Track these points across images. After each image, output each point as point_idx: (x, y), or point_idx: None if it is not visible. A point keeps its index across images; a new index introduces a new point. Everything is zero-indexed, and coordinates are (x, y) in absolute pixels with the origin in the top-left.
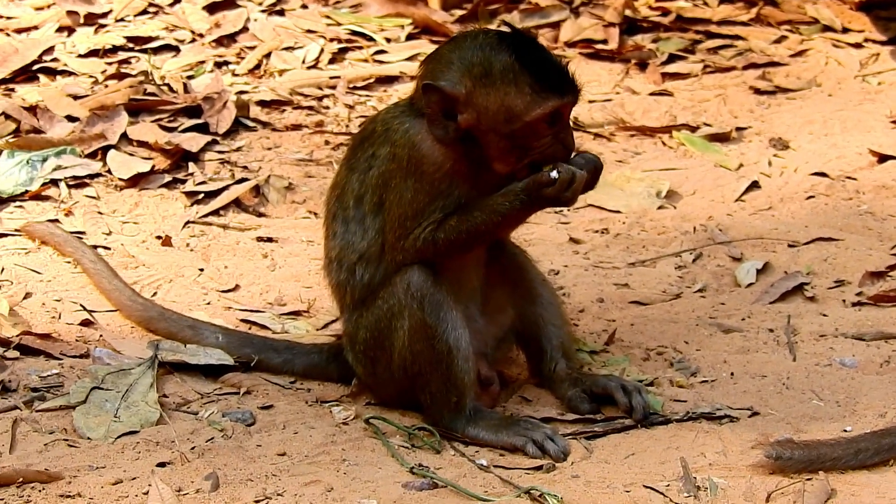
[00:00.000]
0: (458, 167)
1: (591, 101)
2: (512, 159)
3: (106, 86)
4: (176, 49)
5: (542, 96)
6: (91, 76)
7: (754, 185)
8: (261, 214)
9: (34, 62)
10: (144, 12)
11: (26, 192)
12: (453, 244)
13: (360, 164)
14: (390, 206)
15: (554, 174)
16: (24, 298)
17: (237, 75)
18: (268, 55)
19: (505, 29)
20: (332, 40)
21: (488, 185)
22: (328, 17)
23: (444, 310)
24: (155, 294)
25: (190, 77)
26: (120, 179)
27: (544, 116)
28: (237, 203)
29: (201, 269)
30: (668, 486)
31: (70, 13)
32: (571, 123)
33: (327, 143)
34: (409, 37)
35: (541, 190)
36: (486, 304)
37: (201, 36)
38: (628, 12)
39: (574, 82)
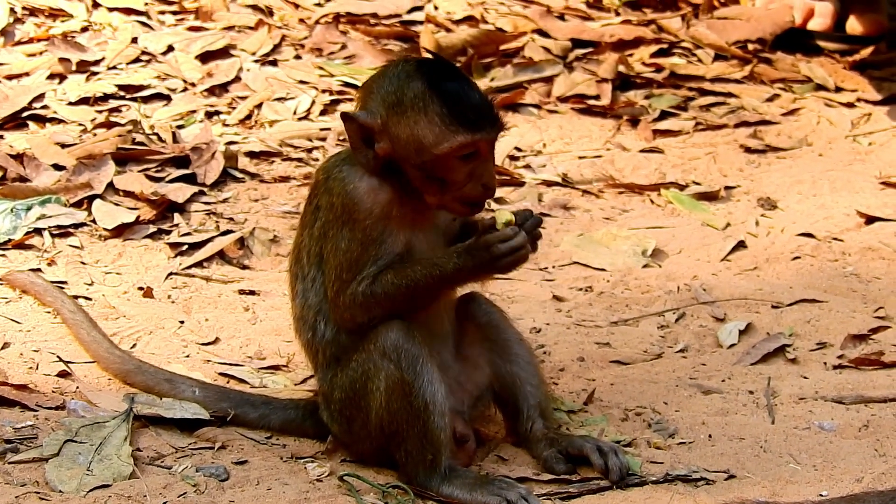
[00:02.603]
0: (391, 211)
1: (581, 157)
2: (434, 191)
3: (94, 134)
4: (167, 98)
5: (452, 129)
6: (80, 124)
7: (741, 245)
8: (245, 267)
9: (24, 109)
10: (137, 60)
11: (9, 240)
12: (394, 301)
13: (308, 219)
14: (327, 257)
15: (505, 229)
16: (3, 348)
17: (228, 125)
18: (259, 105)
19: (429, 56)
20: (324, 91)
21: (428, 230)
22: (321, 67)
23: (421, 363)
24: (134, 346)
25: (180, 126)
26: (104, 229)
27: (454, 151)
28: (221, 255)
29: (182, 322)
30: None
31: (62, 60)
32: (560, 179)
33: None
34: None
35: (487, 250)
36: (462, 361)
37: (193, 85)
38: (622, 68)
39: (494, 117)
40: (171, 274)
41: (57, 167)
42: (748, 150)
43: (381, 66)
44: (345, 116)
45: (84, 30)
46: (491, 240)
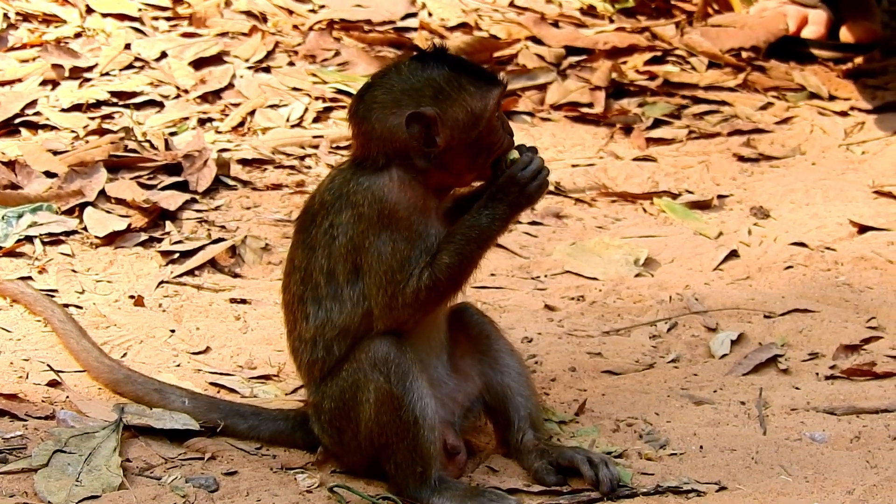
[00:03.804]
0: (426, 203)
1: (573, 166)
2: (479, 165)
3: (87, 141)
4: (160, 105)
5: (486, 90)
6: (73, 131)
7: (733, 255)
8: (236, 275)
9: (16, 115)
10: (130, 67)
11: (0, 248)
12: (456, 279)
13: (320, 240)
14: (370, 268)
15: (521, 156)
16: None
17: (220, 132)
18: (252, 112)
19: (407, 54)
20: (317, 98)
21: (439, 217)
22: (314, 74)
23: (411, 378)
24: (125, 355)
25: (172, 133)
26: (96, 237)
27: (495, 107)
28: (213, 263)
29: (172, 331)
30: None
31: (55, 66)
32: (553, 188)
33: None
34: None
35: (514, 182)
36: (453, 372)
37: (186, 92)
38: (615, 76)
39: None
40: (162, 282)
41: (49, 174)
42: (741, 158)
43: (379, 78)
44: (412, 118)
45: (77, 36)
46: (514, 171)
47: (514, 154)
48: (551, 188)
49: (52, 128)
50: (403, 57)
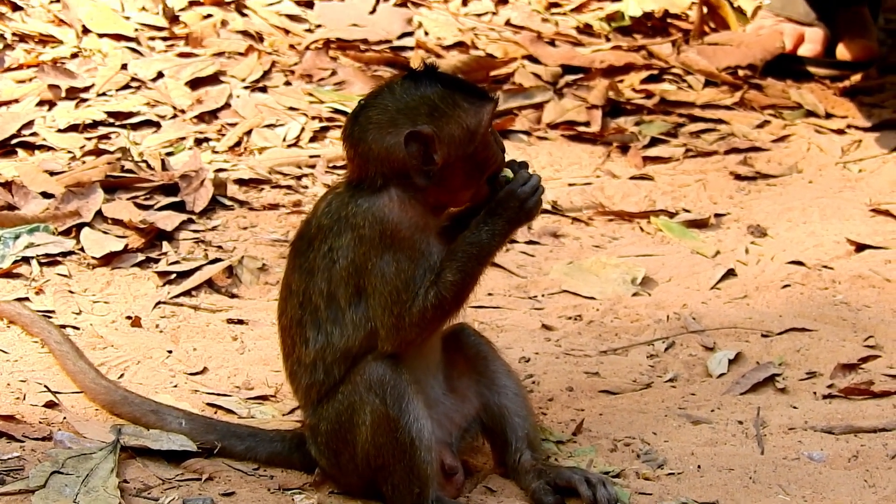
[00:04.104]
0: (426, 222)
1: (570, 185)
2: (474, 181)
3: (83, 162)
4: (157, 125)
5: (479, 105)
6: (69, 152)
7: (730, 273)
8: (233, 295)
9: (13, 136)
10: (127, 87)
11: None
12: (460, 296)
13: (318, 264)
14: (374, 289)
15: (519, 172)
16: None
17: (217, 152)
18: (249, 132)
19: (399, 73)
20: (313, 118)
21: (437, 235)
22: (311, 94)
23: (407, 400)
24: (122, 376)
25: (169, 154)
26: (93, 258)
27: (488, 122)
28: (210, 283)
29: (170, 351)
30: None
31: (51, 87)
32: (549, 206)
33: None
34: None
35: (513, 197)
36: (450, 393)
37: (183, 112)
38: (612, 94)
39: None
40: (159, 303)
41: (45, 195)
42: (738, 177)
43: (373, 98)
44: (410, 136)
45: (74, 56)
46: (514, 186)
47: (509, 172)
48: (548, 207)
49: (49, 148)
50: (395, 76)
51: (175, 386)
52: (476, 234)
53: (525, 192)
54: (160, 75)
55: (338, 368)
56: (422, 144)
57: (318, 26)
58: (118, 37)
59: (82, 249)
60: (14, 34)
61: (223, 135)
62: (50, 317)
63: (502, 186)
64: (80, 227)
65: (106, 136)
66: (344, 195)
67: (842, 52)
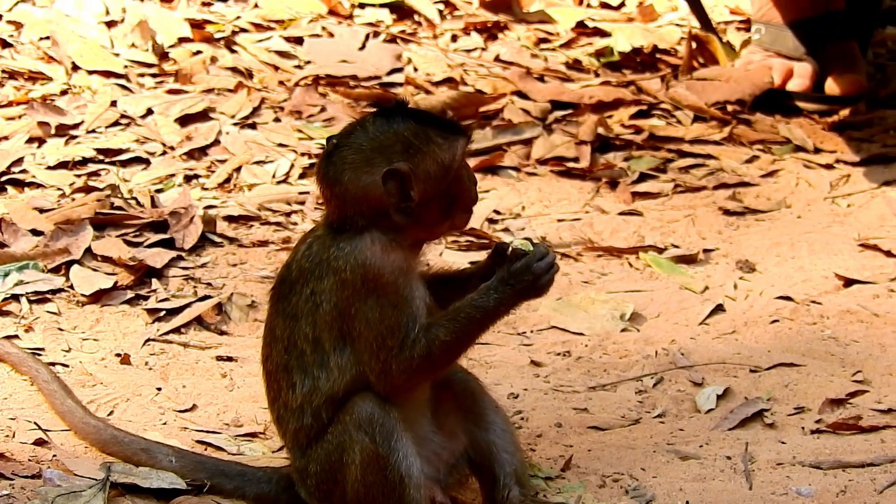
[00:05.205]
0: (409, 265)
1: (559, 220)
2: (449, 215)
3: (73, 199)
4: (146, 161)
5: (453, 140)
6: (59, 189)
7: (719, 309)
8: (222, 332)
9: (2, 173)
10: (116, 124)
11: None
12: (448, 353)
13: (302, 308)
14: (359, 335)
15: (536, 246)
16: None
17: (206, 189)
18: (238, 169)
19: (371, 109)
20: (303, 154)
21: (419, 278)
22: (300, 130)
23: (395, 437)
24: (111, 413)
25: (159, 191)
26: (82, 295)
27: (462, 156)
28: (199, 321)
29: (159, 389)
30: None
31: (41, 124)
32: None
33: None
34: None
35: (528, 271)
36: (439, 429)
37: (172, 148)
38: (601, 130)
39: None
40: (148, 340)
41: (35, 232)
42: (727, 212)
43: (345, 137)
44: (388, 175)
45: (63, 93)
46: (531, 260)
47: (521, 242)
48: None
49: (39, 185)
50: (366, 114)
51: (164, 423)
52: (484, 298)
53: (541, 267)
54: (149, 112)
55: (325, 412)
56: (399, 182)
57: (308, 62)
58: (108, 73)
59: (72, 287)
60: (4, 71)
61: (212, 171)
62: (40, 354)
63: (519, 257)
64: (69, 264)
65: (95, 174)
66: (324, 238)
67: (831, 86)
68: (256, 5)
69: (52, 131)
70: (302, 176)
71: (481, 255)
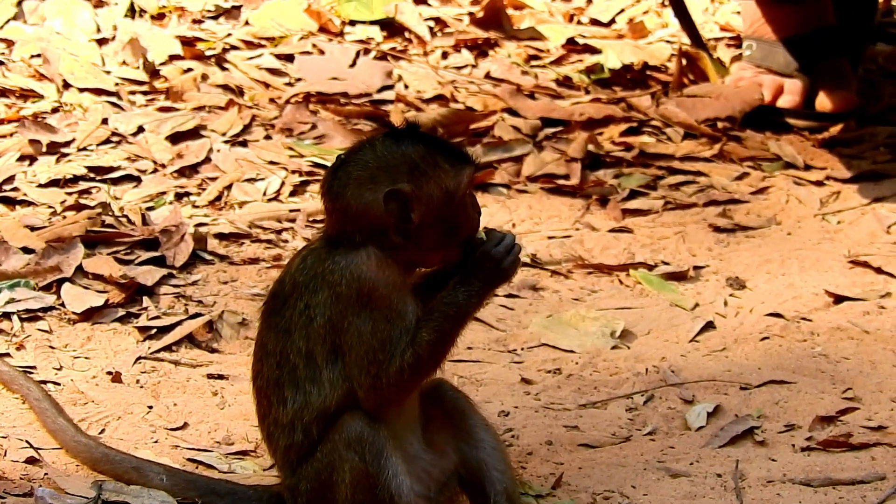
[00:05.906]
0: (403, 281)
1: (550, 238)
2: (448, 242)
3: (64, 217)
4: (137, 179)
5: (460, 167)
6: (50, 206)
7: (709, 326)
8: (213, 350)
9: None
10: (107, 142)
11: None
12: (436, 357)
13: (296, 321)
14: (350, 348)
15: (493, 232)
16: None
17: (197, 206)
18: (229, 186)
19: (382, 130)
20: (293, 172)
21: (411, 294)
22: (291, 148)
23: (385, 456)
24: (103, 431)
25: (150, 208)
26: (73, 313)
27: (468, 185)
28: (190, 338)
29: (150, 407)
30: None
31: (32, 142)
32: (529, 260)
33: None
34: None
35: (489, 258)
36: (429, 447)
37: (163, 166)
38: (591, 147)
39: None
40: (139, 358)
41: (26, 250)
42: (717, 229)
43: (353, 154)
44: (390, 194)
45: (55, 111)
46: (488, 247)
47: (480, 233)
48: (527, 260)
49: (30, 203)
50: (376, 133)
51: (155, 441)
52: (453, 295)
53: (500, 252)
54: (140, 130)
55: (316, 428)
56: (400, 202)
57: (299, 80)
58: (99, 91)
59: (63, 305)
60: None
61: (203, 189)
62: (31, 373)
63: (478, 247)
64: (60, 282)
65: (86, 191)
66: (320, 251)
67: (821, 103)
68: (247, 23)
69: (44, 149)
70: (293, 193)
71: None
